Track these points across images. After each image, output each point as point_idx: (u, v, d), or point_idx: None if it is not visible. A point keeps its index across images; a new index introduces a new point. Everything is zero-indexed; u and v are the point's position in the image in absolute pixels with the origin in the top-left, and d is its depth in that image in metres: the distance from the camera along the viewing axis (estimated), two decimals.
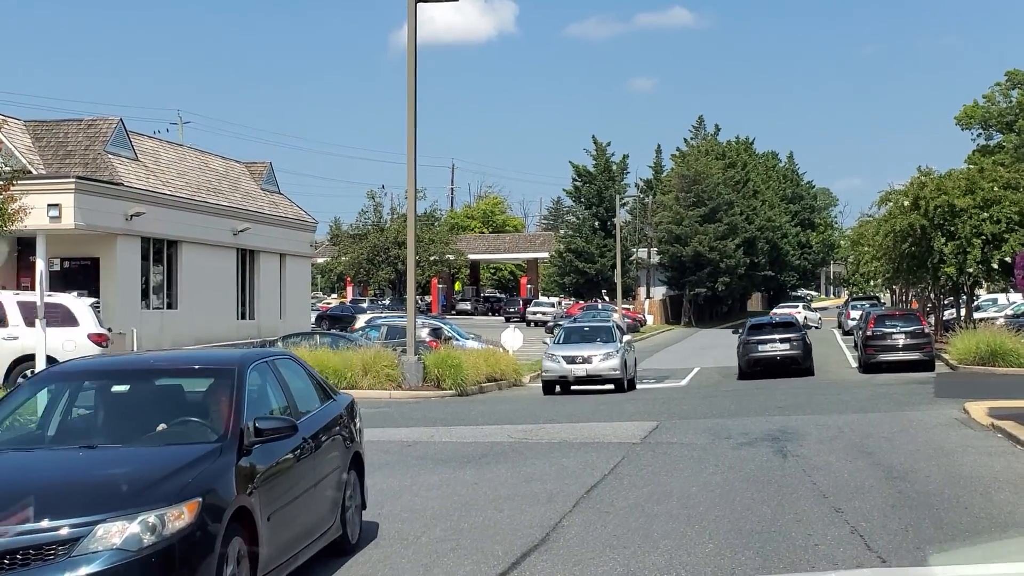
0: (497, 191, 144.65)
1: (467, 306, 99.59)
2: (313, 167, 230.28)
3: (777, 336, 33.54)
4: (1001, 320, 38.53)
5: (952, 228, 35.46)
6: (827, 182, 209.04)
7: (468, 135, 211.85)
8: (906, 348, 32.67)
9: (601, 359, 29.83)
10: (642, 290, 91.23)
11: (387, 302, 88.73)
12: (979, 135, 71.61)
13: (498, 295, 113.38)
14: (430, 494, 12.57)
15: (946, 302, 43.96)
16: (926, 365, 32.63)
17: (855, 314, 56.45)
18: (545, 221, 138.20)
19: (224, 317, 47.65)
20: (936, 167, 45.12)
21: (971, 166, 36.81)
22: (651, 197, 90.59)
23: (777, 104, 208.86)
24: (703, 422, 19.76)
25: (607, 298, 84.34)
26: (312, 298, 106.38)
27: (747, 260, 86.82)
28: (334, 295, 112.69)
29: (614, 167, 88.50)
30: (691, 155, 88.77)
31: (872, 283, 70.61)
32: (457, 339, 37.69)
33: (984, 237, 34.93)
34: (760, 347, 32.91)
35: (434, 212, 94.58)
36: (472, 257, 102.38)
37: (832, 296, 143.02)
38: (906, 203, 36.54)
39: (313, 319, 62.74)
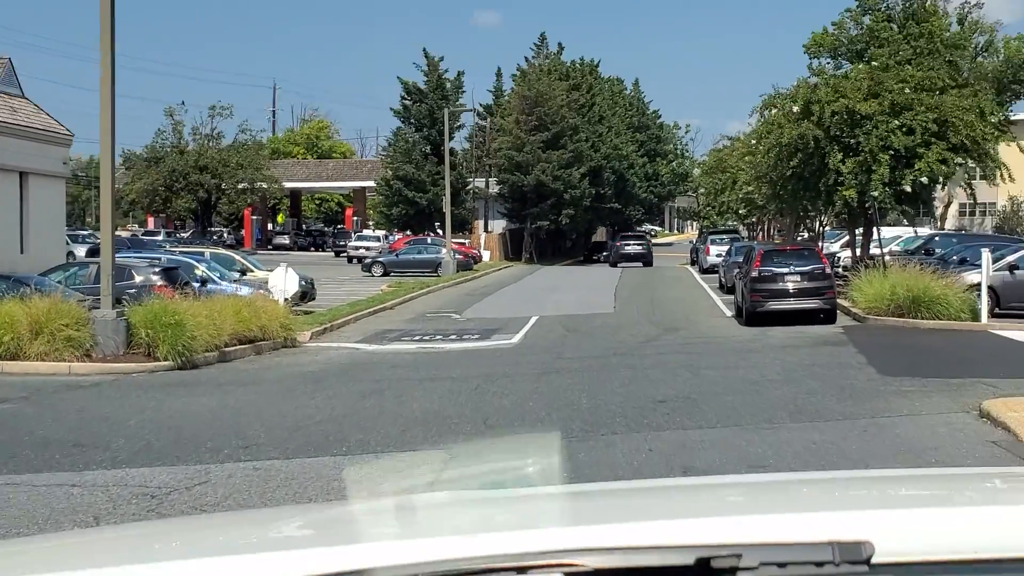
0: (325, 115, 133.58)
1: (285, 240, 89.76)
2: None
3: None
4: (888, 258, 31.31)
5: (853, 141, 27.75)
6: (670, 117, 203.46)
7: (294, 54, 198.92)
8: (802, 293, 25.05)
9: None
10: (480, 223, 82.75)
11: (186, 234, 78.32)
12: (828, 63, 65.07)
13: (324, 228, 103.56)
14: None
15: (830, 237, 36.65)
16: (827, 315, 25.12)
17: (717, 250, 49.08)
18: (384, 153, 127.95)
19: None
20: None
21: (873, 63, 29.05)
22: (491, 119, 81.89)
23: (622, 30, 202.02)
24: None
25: (440, 231, 75.65)
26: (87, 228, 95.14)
27: (593, 191, 79.11)
28: (137, 227, 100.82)
29: (448, 85, 79.23)
30: (532, 74, 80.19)
31: (728, 215, 63.59)
32: (215, 283, 28.45)
33: (893, 152, 27.31)
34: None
35: (244, 129, 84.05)
36: (291, 185, 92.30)
37: (676, 231, 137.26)
38: (795, 109, 28.61)
39: (83, 253, 52.51)
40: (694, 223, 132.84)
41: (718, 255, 44.53)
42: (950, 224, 60.46)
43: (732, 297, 33.76)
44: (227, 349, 22.07)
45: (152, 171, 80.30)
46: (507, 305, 36.78)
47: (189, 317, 20.57)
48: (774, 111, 30.17)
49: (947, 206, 57.43)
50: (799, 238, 43.70)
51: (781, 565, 1.87)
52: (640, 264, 62.93)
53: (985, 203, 65.05)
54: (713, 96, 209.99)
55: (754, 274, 25.34)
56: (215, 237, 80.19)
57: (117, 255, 35.05)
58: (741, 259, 34.67)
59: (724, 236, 53.09)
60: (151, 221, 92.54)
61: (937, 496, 2.77)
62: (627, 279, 48.02)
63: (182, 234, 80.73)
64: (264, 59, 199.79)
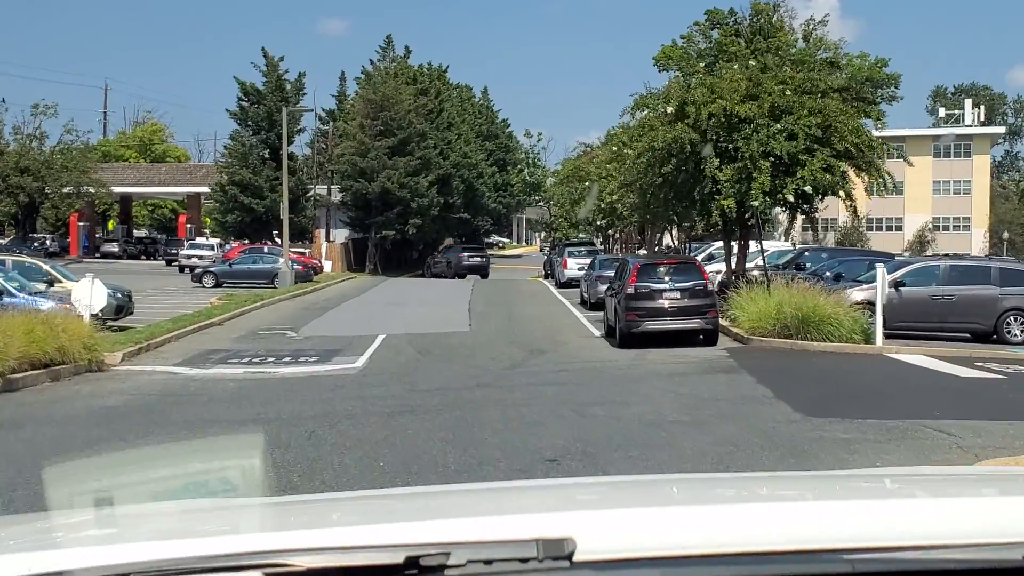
0: (159, 118, 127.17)
1: (114, 248, 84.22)
2: None
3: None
4: (755, 272, 29.40)
5: (733, 145, 25.51)
6: (519, 127, 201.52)
7: (127, 54, 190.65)
8: (682, 312, 22.68)
9: None
10: (321, 232, 78.96)
11: (5, 240, 72.39)
12: (676, 76, 64.04)
13: (156, 236, 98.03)
14: None
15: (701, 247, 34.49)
16: (708, 336, 22.84)
17: (576, 263, 46.69)
18: (220, 158, 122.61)
19: None
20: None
21: (752, 63, 26.93)
22: (333, 124, 78.27)
23: (471, 38, 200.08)
24: None
25: (278, 240, 71.66)
26: None
27: (441, 200, 76.24)
28: None
29: (288, 86, 75.22)
30: (378, 77, 76.84)
31: (583, 226, 61.51)
32: (11, 295, 24.52)
33: (775, 159, 25.16)
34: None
35: (70, 130, 78.42)
36: (120, 190, 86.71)
37: (525, 243, 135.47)
38: (669, 110, 26.22)
39: None
40: (541, 234, 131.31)
41: (580, 268, 42.10)
42: (797, 239, 59.53)
43: (597, 314, 31.38)
44: (14, 376, 18.41)
45: None
46: (350, 321, 33.57)
47: None
48: (646, 112, 27.78)
49: (792, 220, 56.48)
50: (659, 251, 41.69)
51: (487, 562, 1.93)
52: (479, 276, 61.67)
53: (827, 218, 64.61)
54: (562, 107, 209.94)
55: (629, 290, 22.79)
56: (36, 244, 74.47)
57: None
58: (611, 273, 32.35)
59: (582, 248, 50.75)
60: None
61: (644, 497, 2.83)
62: (481, 293, 45.29)
63: (0, 240, 74.66)
64: (96, 58, 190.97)
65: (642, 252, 41.59)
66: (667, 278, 23.17)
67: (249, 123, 74.62)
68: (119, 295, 28.17)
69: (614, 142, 48.64)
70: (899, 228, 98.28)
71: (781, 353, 21.13)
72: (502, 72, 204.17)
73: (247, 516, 2.62)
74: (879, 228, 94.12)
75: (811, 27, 33.30)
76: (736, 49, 42.59)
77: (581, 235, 66.07)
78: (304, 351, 24.89)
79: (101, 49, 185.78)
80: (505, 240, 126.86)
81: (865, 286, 24.53)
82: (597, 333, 26.88)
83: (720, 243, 44.53)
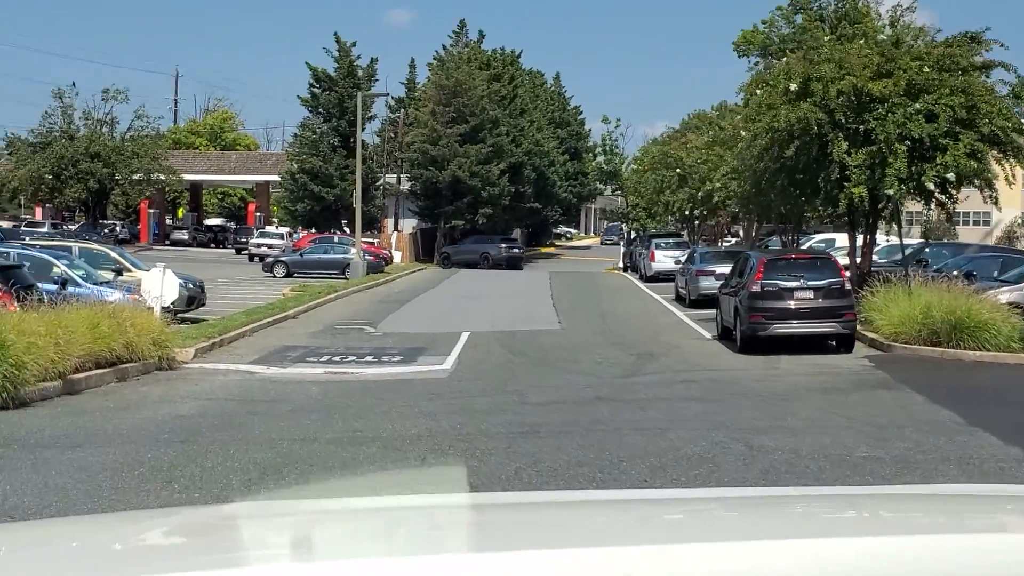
0: (230, 106, 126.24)
1: (184, 236, 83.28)
2: None
3: None
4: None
5: (864, 127, 22.97)
6: (591, 115, 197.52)
7: (199, 41, 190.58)
8: (816, 314, 20.20)
9: None
10: (389, 221, 77.15)
11: (75, 227, 71.36)
12: (757, 63, 61.41)
13: (225, 224, 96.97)
14: None
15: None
16: (843, 342, 20.38)
17: (665, 255, 44.25)
18: (290, 146, 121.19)
19: None
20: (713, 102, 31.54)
21: (882, 37, 24.37)
22: (404, 111, 76.31)
23: (542, 24, 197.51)
24: None
25: (347, 230, 69.94)
26: None
27: (512, 189, 74.02)
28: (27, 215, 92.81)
29: (360, 72, 73.36)
30: (451, 62, 74.74)
31: (665, 216, 58.90)
32: (76, 285, 22.69)
33: (912, 142, 22.58)
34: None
35: (140, 115, 77.29)
36: (191, 178, 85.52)
37: (593, 234, 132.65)
38: (792, 87, 23.69)
39: None
40: (605, 224, 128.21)
41: (676, 262, 39.63)
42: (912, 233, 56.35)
43: (699, 312, 29.06)
44: (76, 376, 16.52)
45: (38, 157, 73.26)
46: (429, 316, 31.53)
47: (17, 335, 14.99)
48: (765, 88, 25.24)
49: (929, 211, 53.52)
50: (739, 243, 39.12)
51: None
52: (514, 268, 61.78)
53: (911, 212, 61.29)
54: (634, 95, 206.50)
55: (755, 288, 20.37)
56: (107, 231, 73.51)
57: None
58: (713, 268, 29.97)
59: (670, 240, 48.18)
60: (39, 211, 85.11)
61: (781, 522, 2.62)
62: (561, 286, 43.03)
63: (70, 226, 73.66)
64: (168, 45, 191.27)
65: (770, 246, 38.79)
66: (798, 275, 20.72)
67: (320, 110, 72.93)
68: (191, 285, 26.31)
69: (711, 127, 46.11)
70: (986, 223, 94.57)
71: (932, 363, 18.67)
72: (574, 56, 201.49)
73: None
74: (965, 222, 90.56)
75: (899, 13, 30.87)
76: (821, 35, 39.97)
77: (662, 226, 63.42)
78: (386, 349, 22.90)
79: (173, 36, 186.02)
80: (572, 231, 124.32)
81: (1013, 287, 21.97)
82: (708, 335, 24.48)
83: (823, 236, 42.03)
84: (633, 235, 64.94)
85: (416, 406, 14.44)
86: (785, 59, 26.14)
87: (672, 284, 37.42)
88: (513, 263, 63.35)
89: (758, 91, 25.82)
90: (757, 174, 25.45)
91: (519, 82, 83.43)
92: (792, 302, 20.37)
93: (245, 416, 13.80)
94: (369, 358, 21.49)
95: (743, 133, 25.92)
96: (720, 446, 10.94)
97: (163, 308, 21.83)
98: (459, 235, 75.33)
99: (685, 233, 55.48)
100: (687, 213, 50.66)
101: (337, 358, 21.57)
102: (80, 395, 16.04)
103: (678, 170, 47.66)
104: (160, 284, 21.53)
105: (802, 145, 23.32)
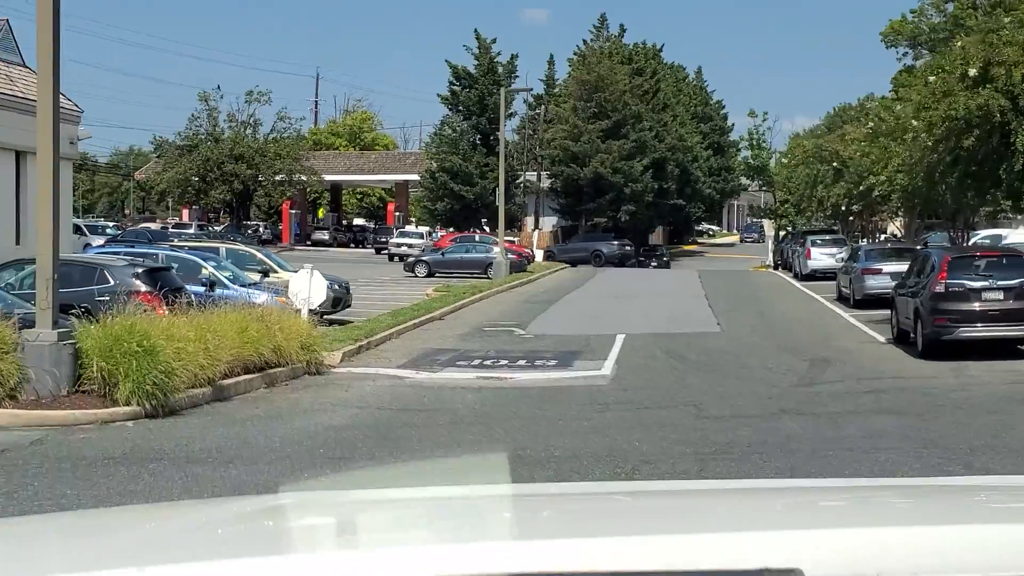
0: (368, 106, 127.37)
1: (324, 236, 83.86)
2: (135, 67, 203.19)
3: None
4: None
5: None
6: (733, 109, 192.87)
7: (339, 43, 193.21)
8: (1008, 317, 18.50)
9: None
10: (529, 220, 76.36)
11: (220, 228, 72.35)
12: (905, 54, 58.60)
13: (365, 224, 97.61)
14: None
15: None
16: None
17: (821, 253, 42.37)
18: (428, 144, 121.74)
19: None
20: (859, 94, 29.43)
21: None
22: (543, 108, 75.44)
23: (681, 17, 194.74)
24: None
25: (486, 228, 69.39)
26: (121, 218, 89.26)
27: (655, 185, 72.50)
28: (174, 218, 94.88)
29: (500, 69, 72.74)
30: (592, 57, 73.57)
31: (816, 212, 56.69)
32: (223, 287, 22.27)
33: None
34: None
35: (283, 116, 77.98)
36: (331, 178, 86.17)
37: (735, 231, 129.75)
38: (971, 72, 21.89)
39: (99, 244, 47.03)
40: (747, 220, 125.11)
41: (834, 259, 37.76)
42: None
43: (866, 312, 27.37)
44: (225, 382, 15.91)
45: (185, 160, 74.61)
46: (579, 317, 30.44)
47: (167, 340, 14.40)
48: (940, 75, 23.46)
49: None
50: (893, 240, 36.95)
51: None
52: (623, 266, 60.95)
53: None
54: (770, 89, 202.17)
55: (938, 288, 18.75)
56: (250, 231, 74.49)
57: (100, 249, 28.81)
58: (881, 266, 28.23)
59: (827, 237, 46.16)
60: (185, 213, 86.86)
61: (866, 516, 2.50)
62: (713, 285, 41.45)
63: (215, 227, 74.84)
64: (308, 48, 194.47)
65: (945, 242, 36.59)
66: (986, 275, 19.04)
67: (460, 108, 72.54)
68: (336, 286, 25.73)
69: (869, 118, 43.97)
70: None
71: None
72: (715, 49, 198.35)
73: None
74: None
75: None
76: (974, 23, 37.50)
77: (813, 223, 61.19)
78: (538, 352, 21.91)
79: (314, 37, 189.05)
80: (714, 228, 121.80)
81: None
82: (881, 338, 22.82)
83: (988, 232, 39.54)
84: (783, 232, 62.79)
85: (583, 418, 13.37)
86: (960, 43, 24.24)
87: (830, 283, 35.81)
88: (624, 261, 62.06)
89: (931, 78, 24.02)
90: (930, 167, 23.68)
91: (661, 76, 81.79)
92: (980, 303, 18.71)
93: (401, 428, 12.92)
94: (522, 362, 20.55)
95: (914, 123, 24.13)
96: (939, 469, 9.56)
97: (310, 310, 21.25)
98: (601, 233, 74.20)
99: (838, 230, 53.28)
100: (842, 209, 48.51)
101: (488, 362, 20.69)
102: (229, 402, 15.43)
103: (834, 164, 45.60)
104: (308, 286, 20.91)
105: (981, 134, 21.55)
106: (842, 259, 38.70)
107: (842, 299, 32.18)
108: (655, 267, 65.59)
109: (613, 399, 15.43)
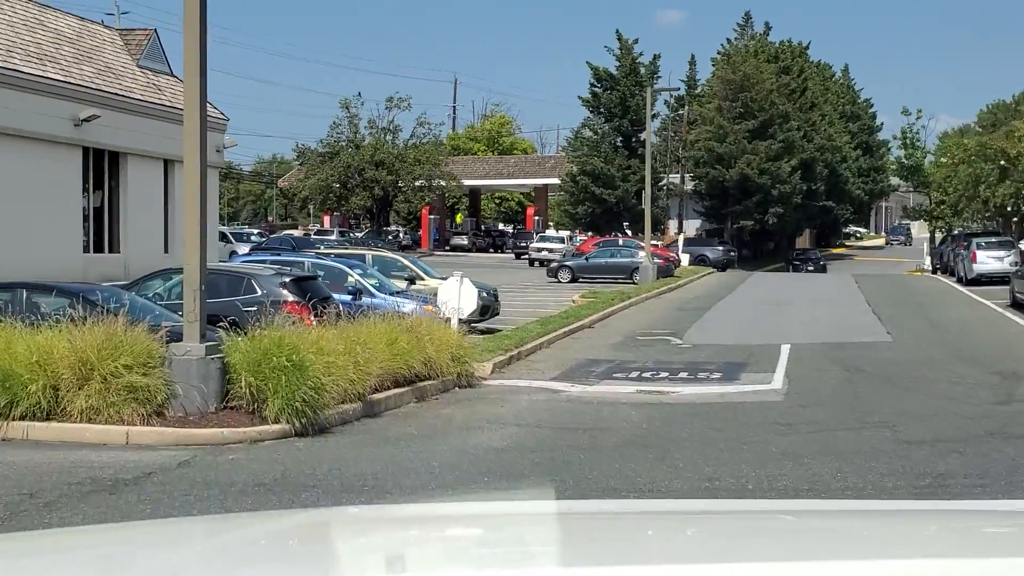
0: (506, 111, 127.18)
1: (463, 241, 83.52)
2: (279, 76, 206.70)
3: None
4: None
5: None
6: (881, 108, 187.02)
7: (474, 48, 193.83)
8: None
9: None
10: (672, 223, 74.83)
11: (360, 234, 72.62)
12: None
13: (504, 228, 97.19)
14: None
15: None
16: None
17: (988, 256, 40.02)
18: (566, 147, 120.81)
19: (60, 249, 31.86)
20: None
21: None
22: (687, 109, 73.79)
23: (827, 13, 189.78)
24: None
25: (629, 232, 68.10)
26: (264, 225, 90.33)
27: (804, 187, 70.26)
28: (315, 224, 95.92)
29: (642, 70, 71.39)
30: (737, 56, 71.70)
31: (976, 214, 53.85)
32: (373, 296, 21.60)
33: None
34: None
35: (423, 122, 78.03)
36: (469, 183, 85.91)
37: (882, 234, 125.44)
38: None
39: (244, 251, 47.32)
40: (896, 222, 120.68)
41: (1009, 262, 35.46)
42: None
43: None
44: (375, 397, 15.10)
45: (326, 167, 75.24)
46: (736, 325, 29.02)
47: (316, 354, 13.64)
48: None
49: None
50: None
51: None
52: None
53: None
54: (920, 87, 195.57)
55: None
56: (391, 237, 74.70)
57: (245, 257, 28.48)
58: None
59: (992, 239, 43.58)
60: (326, 219, 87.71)
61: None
62: (872, 290, 39.45)
63: (356, 233, 75.23)
64: (446, 53, 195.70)
65: None
66: None
67: (601, 110, 71.42)
68: (484, 294, 24.86)
69: None
70: None
71: None
72: (861, 47, 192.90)
73: None
74: None
75: None
76: None
77: (966, 224, 58.26)
78: (700, 364, 20.68)
79: (451, 43, 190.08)
80: (862, 230, 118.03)
81: None
82: None
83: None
84: (942, 234, 59.98)
85: (767, 441, 12.12)
86: None
87: (998, 287, 33.66)
88: (729, 266, 60.41)
89: None
90: None
91: (808, 75, 79.38)
92: None
93: (567, 451, 11.86)
94: (683, 375, 19.36)
95: None
96: None
97: (460, 320, 20.39)
98: (747, 236, 72.26)
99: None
100: (1007, 209, 45.81)
101: (647, 374, 19.55)
102: (379, 418, 14.62)
103: (1001, 162, 43.04)
104: (458, 294, 20.08)
105: None
106: (1012, 262, 36.38)
107: (1015, 305, 29.98)
108: (811, 271, 63.44)
109: (793, 418, 14.12)
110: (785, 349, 22.38)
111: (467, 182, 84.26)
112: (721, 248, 63.17)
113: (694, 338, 25.38)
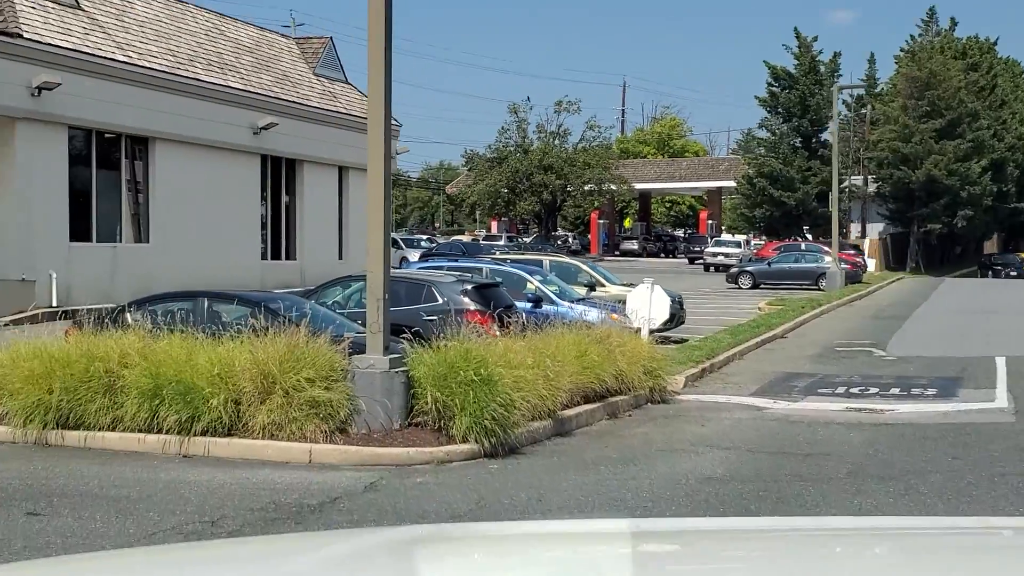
0: (676, 113, 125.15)
1: (633, 245, 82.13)
2: (447, 83, 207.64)
3: None
4: None
5: None
6: None
7: (644, 51, 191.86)
8: None
9: None
10: (855, 226, 71.84)
11: (529, 239, 72.00)
12: None
13: (674, 233, 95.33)
14: None
15: None
16: None
17: None
18: (739, 149, 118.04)
19: (239, 255, 32.01)
20: None
21: None
22: (869, 108, 70.77)
23: (1018, 4, 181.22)
24: None
25: (809, 236, 65.61)
26: (430, 231, 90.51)
27: (994, 188, 66.57)
28: (481, 230, 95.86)
29: (822, 68, 68.75)
30: (922, 53, 68.38)
31: None
32: (555, 304, 20.57)
33: None
34: None
35: (592, 125, 77.03)
36: (640, 187, 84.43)
37: None
38: None
39: (415, 258, 47.08)
40: None
41: None
42: None
43: None
44: (565, 414, 14.05)
45: (495, 172, 74.98)
46: (940, 335, 27.00)
47: (505, 367, 12.65)
48: None
49: None
50: None
51: None
52: None
53: None
54: None
55: None
56: (559, 242, 73.87)
57: (420, 264, 27.85)
58: None
59: None
60: (494, 225, 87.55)
61: None
62: None
63: (524, 238, 74.71)
64: (614, 57, 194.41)
65: None
66: None
67: (779, 110, 69.04)
68: (673, 303, 23.59)
69: None
70: None
71: None
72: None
73: None
74: None
75: None
76: None
77: None
78: (910, 378, 19.04)
79: (620, 47, 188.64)
80: None
81: None
82: None
83: None
84: None
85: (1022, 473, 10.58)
86: None
87: None
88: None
89: None
90: None
91: (997, 71, 75.32)
92: None
93: (791, 482, 10.54)
94: (895, 390, 17.76)
95: None
96: None
97: (650, 331, 19.20)
98: (935, 240, 68.93)
99: None
100: None
101: (855, 389, 18.00)
102: (571, 437, 13.55)
103: None
104: (648, 302, 18.88)
105: None
106: None
107: None
108: (1014, 276, 59.93)
109: None
110: (1001, 362, 20.56)
111: (637, 186, 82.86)
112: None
113: (897, 349, 23.58)
